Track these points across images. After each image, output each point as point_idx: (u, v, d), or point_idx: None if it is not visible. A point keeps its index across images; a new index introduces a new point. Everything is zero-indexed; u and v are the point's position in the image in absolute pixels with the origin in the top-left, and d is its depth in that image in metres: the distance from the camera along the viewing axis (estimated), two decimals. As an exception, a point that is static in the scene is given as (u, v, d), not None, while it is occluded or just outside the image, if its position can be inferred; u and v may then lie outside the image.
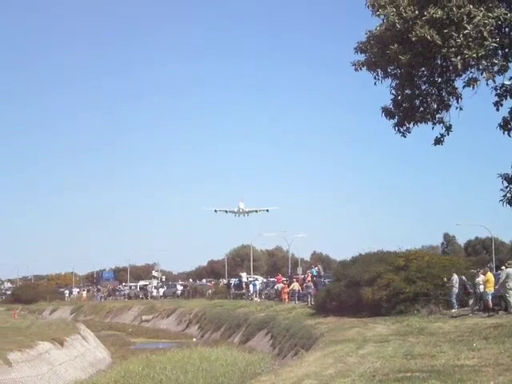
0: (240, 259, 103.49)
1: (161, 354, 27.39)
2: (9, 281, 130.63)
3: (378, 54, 9.29)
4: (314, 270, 46.84)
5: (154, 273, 77.07)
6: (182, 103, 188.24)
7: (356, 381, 13.12)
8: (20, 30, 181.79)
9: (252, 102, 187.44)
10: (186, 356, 24.77)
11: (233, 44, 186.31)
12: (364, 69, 9.74)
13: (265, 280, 63.18)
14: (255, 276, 69.35)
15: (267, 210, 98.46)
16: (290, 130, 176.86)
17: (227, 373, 20.66)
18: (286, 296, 41.32)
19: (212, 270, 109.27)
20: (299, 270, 62.48)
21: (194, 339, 40.56)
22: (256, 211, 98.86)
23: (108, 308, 66.19)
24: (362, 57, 9.70)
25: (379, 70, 9.63)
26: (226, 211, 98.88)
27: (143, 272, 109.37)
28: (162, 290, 72.56)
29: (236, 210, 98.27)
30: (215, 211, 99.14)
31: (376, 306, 26.23)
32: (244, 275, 56.77)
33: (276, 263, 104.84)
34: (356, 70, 9.82)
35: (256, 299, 48.20)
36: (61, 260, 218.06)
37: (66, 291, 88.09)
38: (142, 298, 71.99)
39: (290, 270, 69.47)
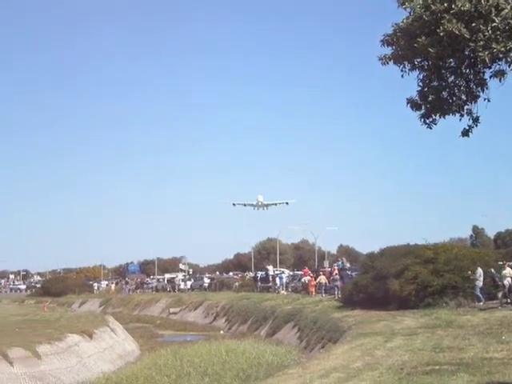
0: (266, 252, 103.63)
1: (188, 346, 27.62)
2: (38, 274, 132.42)
3: (405, 47, 9.23)
4: (340, 263, 46.75)
5: (181, 266, 77.70)
6: (205, 96, 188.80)
7: (384, 374, 13.11)
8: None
9: (268, 94, 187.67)
10: (213, 348, 24.92)
11: (249, 38, 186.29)
12: (391, 63, 9.68)
13: (291, 273, 63.17)
14: (281, 269, 69.37)
15: (287, 203, 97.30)
16: (309, 124, 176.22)
17: (254, 365, 20.76)
18: (313, 289, 41.30)
19: (238, 263, 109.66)
20: (326, 263, 62.41)
21: (222, 332, 40.78)
22: (275, 204, 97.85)
23: (136, 301, 66.72)
24: (388, 50, 9.64)
25: (406, 63, 9.57)
26: (245, 204, 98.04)
27: (170, 265, 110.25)
28: (189, 283, 73.01)
29: (255, 204, 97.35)
30: (233, 204, 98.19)
31: (404, 298, 26.09)
32: (270, 268, 56.77)
33: (302, 256, 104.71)
34: (383, 64, 9.76)
35: (282, 292, 48.22)
36: (90, 253, 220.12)
37: (95, 284, 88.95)
38: (169, 291, 72.39)
39: (316, 263, 69.40)
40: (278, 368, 20.22)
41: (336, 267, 43.85)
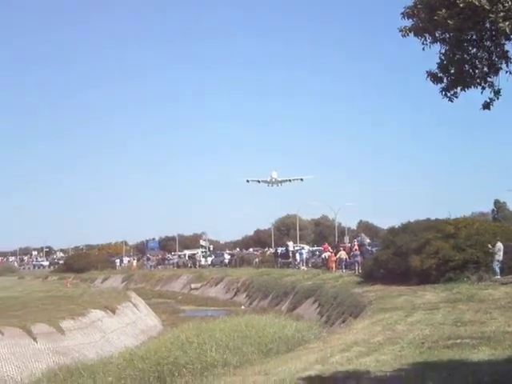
0: (286, 228, 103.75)
1: (210, 321, 27.84)
2: (61, 250, 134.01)
3: (425, 20, 9.12)
4: (360, 239, 46.71)
5: (202, 242, 78.14)
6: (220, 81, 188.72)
7: (405, 348, 13.15)
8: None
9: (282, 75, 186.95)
10: (234, 323, 25.06)
11: (265, 23, 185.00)
12: (411, 35, 9.58)
13: (311, 249, 63.28)
14: (301, 245, 69.50)
15: (301, 179, 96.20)
16: (326, 103, 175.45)
17: (275, 340, 20.88)
18: (333, 264, 41.37)
19: (258, 239, 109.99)
20: (346, 239, 62.38)
21: (242, 307, 41.04)
22: (289, 180, 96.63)
23: (158, 276, 67.32)
24: (408, 22, 9.54)
25: (427, 35, 9.46)
26: (259, 181, 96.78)
27: (191, 241, 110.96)
28: (209, 259, 73.49)
29: (269, 180, 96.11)
30: (247, 181, 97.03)
31: (425, 273, 26.03)
32: (291, 244, 56.92)
33: (322, 232, 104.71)
34: (403, 36, 9.66)
35: (303, 268, 48.37)
36: (112, 230, 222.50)
37: (117, 260, 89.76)
38: (190, 267, 72.96)
39: (336, 239, 69.39)
40: (299, 342, 20.35)
41: (356, 243, 43.80)
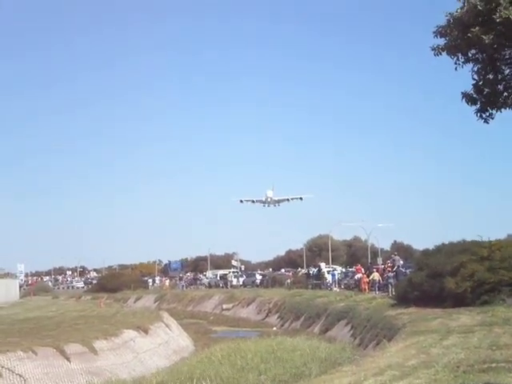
0: (318, 249, 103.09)
1: (242, 342, 27.75)
2: (94, 270, 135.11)
3: (458, 38, 9.06)
4: (391, 260, 46.21)
5: (234, 262, 78.02)
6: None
7: (440, 372, 12.92)
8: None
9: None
10: (266, 345, 24.98)
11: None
12: (444, 54, 9.52)
13: (343, 270, 62.83)
14: (334, 266, 69.03)
15: (301, 199, 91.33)
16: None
17: (308, 362, 20.72)
18: (366, 286, 40.99)
19: (290, 260, 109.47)
20: (379, 260, 61.77)
21: (274, 328, 40.87)
22: (288, 200, 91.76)
23: (190, 297, 67.41)
24: (441, 41, 9.48)
25: (460, 55, 9.39)
26: (253, 201, 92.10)
27: (223, 261, 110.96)
28: (241, 279, 73.43)
29: (264, 200, 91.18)
30: (241, 201, 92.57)
31: (460, 296, 25.62)
32: (323, 265, 56.56)
33: (355, 253, 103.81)
34: (435, 54, 9.61)
35: (335, 289, 48.06)
36: (145, 250, 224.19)
37: (150, 280, 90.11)
38: (222, 287, 72.99)
39: (369, 260, 68.76)
40: (332, 365, 20.15)
41: (390, 264, 43.37)
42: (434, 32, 9.54)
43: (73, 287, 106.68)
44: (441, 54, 9.62)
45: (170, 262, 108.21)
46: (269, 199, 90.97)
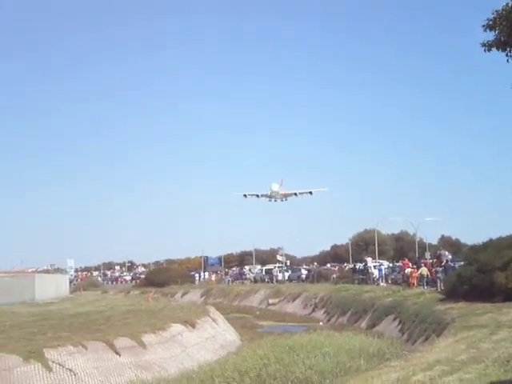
0: (364, 244, 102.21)
1: (288, 337, 27.75)
2: (142, 265, 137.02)
3: (507, 33, 8.95)
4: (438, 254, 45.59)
5: (279, 257, 77.90)
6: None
7: (489, 366, 12.68)
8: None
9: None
10: (313, 339, 24.90)
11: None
12: (493, 49, 9.41)
13: (390, 265, 62.22)
14: (380, 261, 68.37)
15: (310, 193, 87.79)
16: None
17: (355, 357, 20.58)
18: (415, 281, 40.50)
19: (335, 255, 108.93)
20: (427, 255, 60.93)
21: (321, 323, 40.77)
22: (295, 194, 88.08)
23: (236, 291, 67.75)
24: (491, 35, 9.39)
25: (510, 48, 9.27)
26: (258, 195, 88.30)
27: (268, 256, 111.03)
28: (286, 274, 73.41)
29: (269, 194, 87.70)
30: (244, 196, 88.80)
31: (510, 291, 25.14)
32: (369, 260, 56.07)
33: (402, 248, 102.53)
34: (485, 50, 9.50)
35: (382, 284, 47.64)
36: (192, 244, 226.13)
37: (196, 275, 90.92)
38: (267, 282, 73.10)
39: (417, 255, 67.87)
40: (380, 360, 19.97)
41: (438, 258, 42.79)
42: (482, 25, 9.48)
43: (121, 281, 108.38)
44: (491, 49, 9.56)
45: (207, 257, 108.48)
46: (274, 193, 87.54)
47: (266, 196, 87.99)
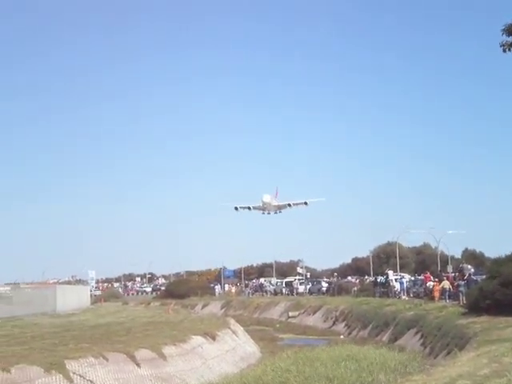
0: (385, 256, 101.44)
1: (309, 350, 27.64)
2: (163, 276, 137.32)
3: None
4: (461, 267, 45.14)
5: (299, 269, 77.76)
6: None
7: (512, 381, 12.54)
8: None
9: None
10: (334, 353, 24.78)
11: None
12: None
13: (412, 278, 61.70)
14: (402, 274, 67.82)
15: (305, 203, 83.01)
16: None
17: (376, 371, 20.44)
18: (437, 294, 40.14)
19: (356, 267, 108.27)
20: (449, 268, 60.34)
21: (342, 336, 40.53)
22: (289, 205, 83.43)
23: (256, 303, 67.68)
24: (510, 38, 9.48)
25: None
26: (250, 208, 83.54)
27: (288, 268, 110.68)
28: (307, 287, 73.16)
29: (261, 206, 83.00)
30: (236, 209, 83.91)
31: (534, 305, 24.87)
32: (390, 273, 55.61)
33: (424, 261, 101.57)
34: (504, 50, 9.59)
35: (403, 297, 47.24)
36: (211, 256, 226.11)
37: (216, 286, 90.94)
38: (287, 294, 72.92)
39: (439, 268, 67.23)
40: (401, 375, 19.80)
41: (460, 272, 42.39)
42: (501, 30, 9.62)
43: (142, 292, 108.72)
44: (509, 50, 9.69)
45: (222, 269, 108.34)
46: (266, 205, 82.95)
47: (259, 208, 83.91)
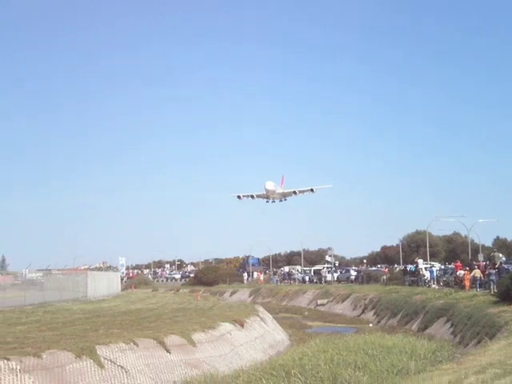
0: (415, 245, 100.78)
1: (337, 338, 27.58)
2: (192, 264, 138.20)
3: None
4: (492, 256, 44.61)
5: (328, 257, 77.46)
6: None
7: (543, 370, 12.38)
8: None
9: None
10: (362, 341, 24.71)
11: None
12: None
13: (442, 267, 61.18)
14: (432, 262, 67.25)
15: (311, 190, 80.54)
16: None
17: (406, 359, 20.33)
18: (468, 283, 39.73)
19: (385, 256, 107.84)
20: (480, 257, 59.68)
21: (370, 325, 40.40)
22: (294, 192, 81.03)
23: (284, 291, 67.72)
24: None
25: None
26: (253, 196, 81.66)
27: (316, 256, 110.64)
28: (335, 275, 72.99)
29: (265, 194, 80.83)
30: (238, 197, 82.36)
31: None
32: (420, 261, 55.15)
33: (454, 249, 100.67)
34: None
35: (433, 286, 46.86)
36: (240, 244, 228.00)
37: (245, 274, 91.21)
38: (316, 283, 72.85)
39: (469, 257, 66.57)
40: (431, 363, 19.69)
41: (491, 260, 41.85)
42: None
43: (171, 279, 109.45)
44: None
45: (247, 257, 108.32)
46: (269, 193, 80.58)
47: (262, 196, 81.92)
